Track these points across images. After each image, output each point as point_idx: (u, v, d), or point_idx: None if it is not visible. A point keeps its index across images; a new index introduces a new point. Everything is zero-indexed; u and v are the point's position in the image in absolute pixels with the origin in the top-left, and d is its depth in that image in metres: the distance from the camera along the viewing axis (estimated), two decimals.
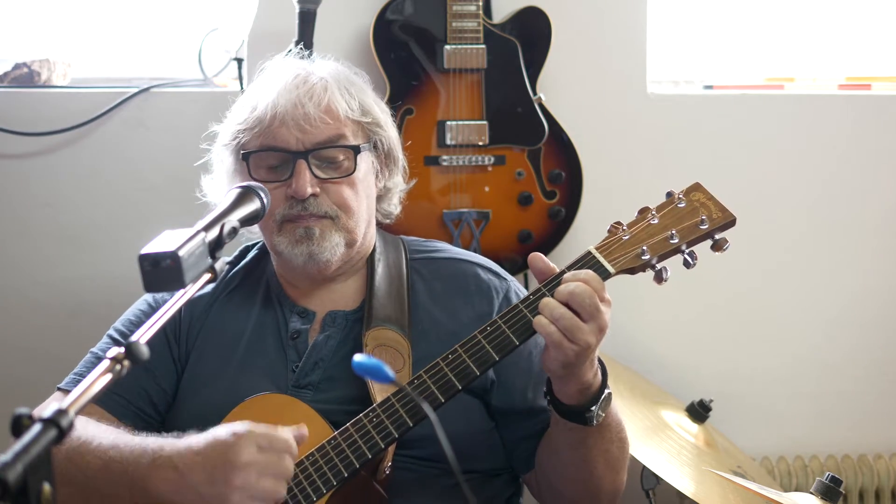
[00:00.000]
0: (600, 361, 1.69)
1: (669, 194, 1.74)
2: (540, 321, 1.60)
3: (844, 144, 3.08)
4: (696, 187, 1.74)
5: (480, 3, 2.73)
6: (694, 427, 2.54)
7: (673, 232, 1.68)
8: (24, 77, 2.90)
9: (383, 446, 1.66)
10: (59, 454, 1.65)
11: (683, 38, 3.16)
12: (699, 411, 2.58)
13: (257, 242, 2.07)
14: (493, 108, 2.75)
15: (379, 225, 2.03)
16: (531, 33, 2.79)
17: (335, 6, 2.74)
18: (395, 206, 2.04)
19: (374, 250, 1.97)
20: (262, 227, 1.90)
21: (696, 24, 3.16)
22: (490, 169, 2.76)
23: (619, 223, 1.72)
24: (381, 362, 1.34)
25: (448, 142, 2.72)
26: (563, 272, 1.66)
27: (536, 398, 1.85)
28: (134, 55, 3.01)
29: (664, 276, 1.68)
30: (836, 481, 1.93)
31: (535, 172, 2.78)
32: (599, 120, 2.97)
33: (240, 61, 2.82)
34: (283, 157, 1.85)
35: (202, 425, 1.77)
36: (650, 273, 1.69)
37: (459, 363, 1.65)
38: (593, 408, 1.67)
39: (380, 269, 1.94)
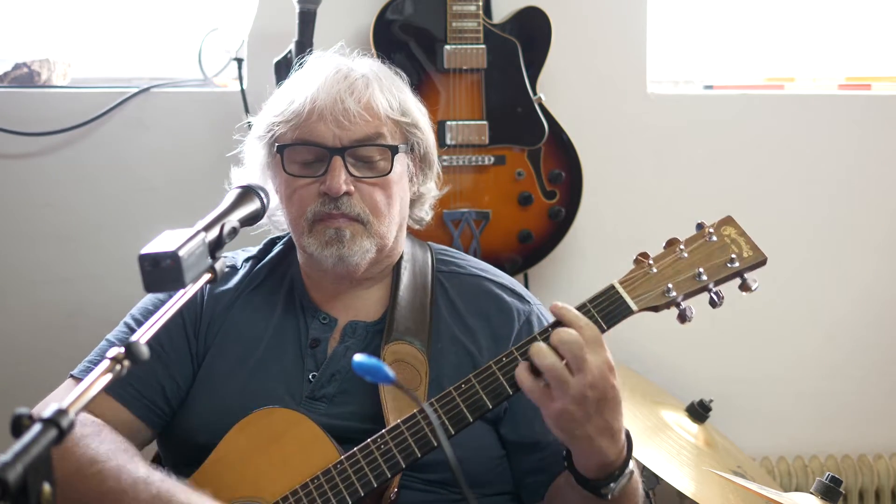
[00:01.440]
0: (628, 436, 1.62)
1: (700, 226, 1.67)
2: (520, 373, 1.55)
3: (844, 144, 3.08)
4: (728, 221, 1.67)
5: (480, 3, 2.73)
6: (694, 427, 2.54)
7: (701, 270, 1.62)
8: (24, 77, 2.90)
9: (390, 476, 1.63)
10: (63, 471, 1.63)
11: (683, 38, 3.16)
12: (699, 411, 2.58)
13: (284, 236, 2.01)
14: (493, 108, 2.75)
15: (408, 230, 1.98)
16: (531, 33, 2.79)
17: (335, 6, 2.74)
18: (426, 213, 1.98)
19: (401, 257, 1.92)
20: (293, 224, 1.85)
21: (696, 24, 3.16)
22: (490, 169, 2.76)
23: (645, 255, 1.65)
24: (381, 362, 1.33)
25: (448, 142, 2.72)
26: (583, 305, 1.62)
27: (546, 431, 1.72)
28: (134, 55, 3.01)
29: (688, 315, 1.62)
30: (836, 481, 1.93)
31: (535, 172, 2.78)
32: (599, 120, 2.98)
33: (240, 61, 2.82)
34: (318, 153, 1.80)
35: (211, 429, 1.77)
36: (674, 311, 1.62)
37: (472, 395, 1.60)
38: (611, 484, 1.61)
39: (405, 279, 1.89)
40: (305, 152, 1.81)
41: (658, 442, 2.36)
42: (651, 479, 2.35)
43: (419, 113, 1.89)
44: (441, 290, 1.90)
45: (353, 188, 1.79)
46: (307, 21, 2.61)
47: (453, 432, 1.61)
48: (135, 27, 3.01)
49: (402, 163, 1.85)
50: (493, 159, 2.76)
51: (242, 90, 2.80)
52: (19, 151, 2.85)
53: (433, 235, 2.66)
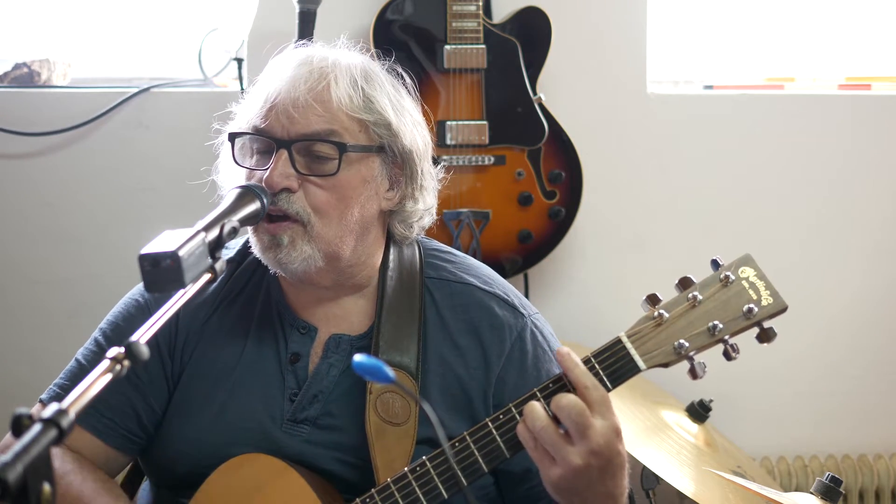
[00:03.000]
0: (630, 497, 1.54)
1: (716, 264, 1.54)
2: (521, 432, 1.48)
3: (844, 144, 3.08)
4: (747, 261, 1.54)
5: (480, 3, 2.73)
6: (694, 427, 2.54)
7: (716, 322, 1.50)
8: (24, 77, 2.91)
9: None
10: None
11: (683, 38, 3.16)
12: (699, 411, 2.58)
13: None
14: (493, 108, 2.75)
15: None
16: (531, 33, 2.79)
17: (335, 6, 2.74)
18: (411, 230, 1.77)
19: (386, 265, 1.76)
20: None
21: (696, 24, 3.16)
22: (490, 169, 2.76)
23: (655, 300, 1.52)
24: (381, 362, 1.33)
25: (448, 142, 2.72)
26: (587, 360, 1.51)
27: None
28: (134, 55, 3.01)
29: (700, 372, 1.50)
30: (836, 481, 1.93)
31: (535, 172, 2.78)
32: (599, 120, 2.98)
33: (240, 61, 2.82)
34: (268, 144, 1.65)
35: (191, 457, 1.70)
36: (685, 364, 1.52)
37: (467, 457, 1.53)
38: None
39: (390, 290, 1.73)
40: (259, 143, 1.67)
41: (658, 442, 2.36)
42: (651, 479, 2.35)
43: (395, 114, 1.70)
44: (430, 302, 1.75)
45: (295, 185, 1.63)
46: (307, 21, 2.61)
47: (446, 496, 1.53)
48: (135, 27, 3.01)
49: (364, 166, 1.67)
50: (493, 159, 2.76)
51: (242, 90, 2.80)
52: (19, 151, 2.85)
53: (433, 235, 2.66)
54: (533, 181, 2.78)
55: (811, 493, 1.94)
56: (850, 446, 3.07)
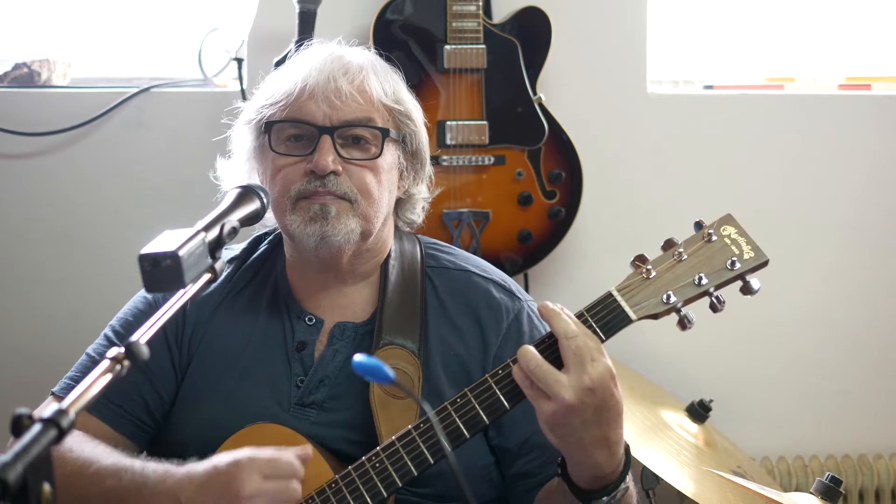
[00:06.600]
0: (626, 451, 1.58)
1: (699, 225, 1.61)
2: (516, 374, 1.52)
3: (844, 144, 3.08)
4: (728, 220, 1.61)
5: (480, 3, 2.73)
6: (694, 427, 2.54)
7: (701, 275, 1.56)
8: (24, 77, 2.91)
9: (386, 495, 1.59)
10: (61, 475, 1.60)
11: (683, 38, 3.16)
12: (699, 411, 2.58)
13: (270, 232, 1.94)
14: (493, 108, 2.75)
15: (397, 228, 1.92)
16: (531, 33, 2.79)
17: (335, 6, 2.74)
18: (417, 215, 1.91)
19: (388, 255, 1.86)
20: (275, 207, 1.77)
21: (696, 24, 3.16)
22: (490, 169, 2.76)
23: (642, 259, 1.59)
24: (381, 362, 1.33)
25: (448, 142, 2.72)
26: (580, 314, 1.57)
27: (533, 434, 1.70)
28: (134, 55, 3.01)
29: (688, 322, 1.56)
30: (836, 481, 1.93)
31: (535, 172, 2.78)
32: (599, 120, 2.98)
33: (240, 61, 2.82)
34: (307, 131, 1.74)
35: (201, 441, 1.72)
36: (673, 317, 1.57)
37: (469, 411, 1.57)
38: (604, 498, 1.56)
39: (393, 277, 1.83)
40: (295, 130, 1.76)
41: (658, 442, 2.36)
42: (651, 479, 2.35)
43: (413, 106, 1.84)
44: (430, 288, 1.84)
45: (340, 168, 1.73)
46: (307, 21, 2.61)
47: (451, 449, 1.57)
48: (135, 27, 3.01)
49: (392, 153, 1.80)
50: (493, 159, 2.76)
51: (242, 90, 2.80)
52: (19, 151, 2.85)
53: (433, 235, 2.66)
54: (533, 181, 2.78)
55: (811, 493, 1.94)
56: (850, 446, 3.07)
